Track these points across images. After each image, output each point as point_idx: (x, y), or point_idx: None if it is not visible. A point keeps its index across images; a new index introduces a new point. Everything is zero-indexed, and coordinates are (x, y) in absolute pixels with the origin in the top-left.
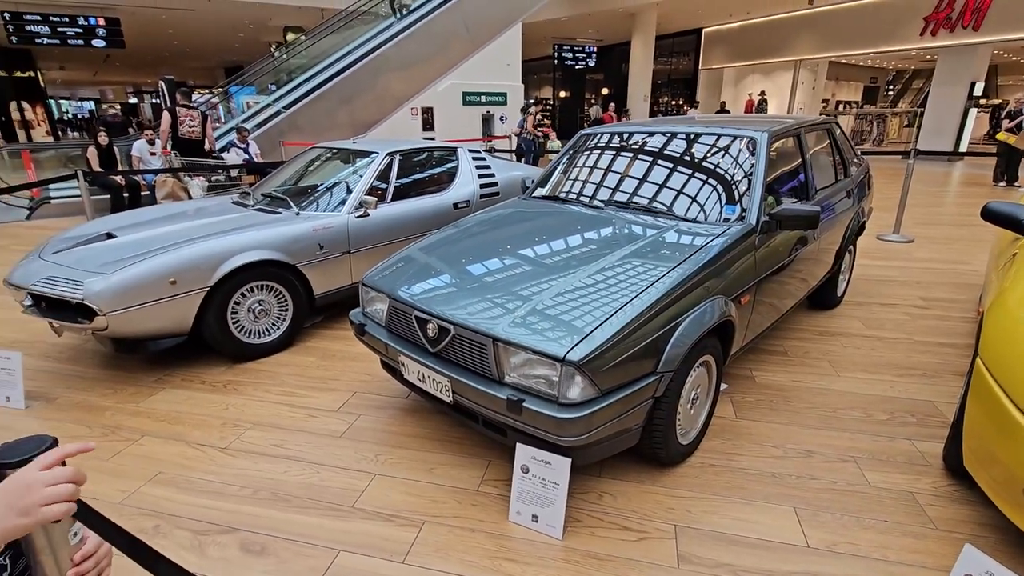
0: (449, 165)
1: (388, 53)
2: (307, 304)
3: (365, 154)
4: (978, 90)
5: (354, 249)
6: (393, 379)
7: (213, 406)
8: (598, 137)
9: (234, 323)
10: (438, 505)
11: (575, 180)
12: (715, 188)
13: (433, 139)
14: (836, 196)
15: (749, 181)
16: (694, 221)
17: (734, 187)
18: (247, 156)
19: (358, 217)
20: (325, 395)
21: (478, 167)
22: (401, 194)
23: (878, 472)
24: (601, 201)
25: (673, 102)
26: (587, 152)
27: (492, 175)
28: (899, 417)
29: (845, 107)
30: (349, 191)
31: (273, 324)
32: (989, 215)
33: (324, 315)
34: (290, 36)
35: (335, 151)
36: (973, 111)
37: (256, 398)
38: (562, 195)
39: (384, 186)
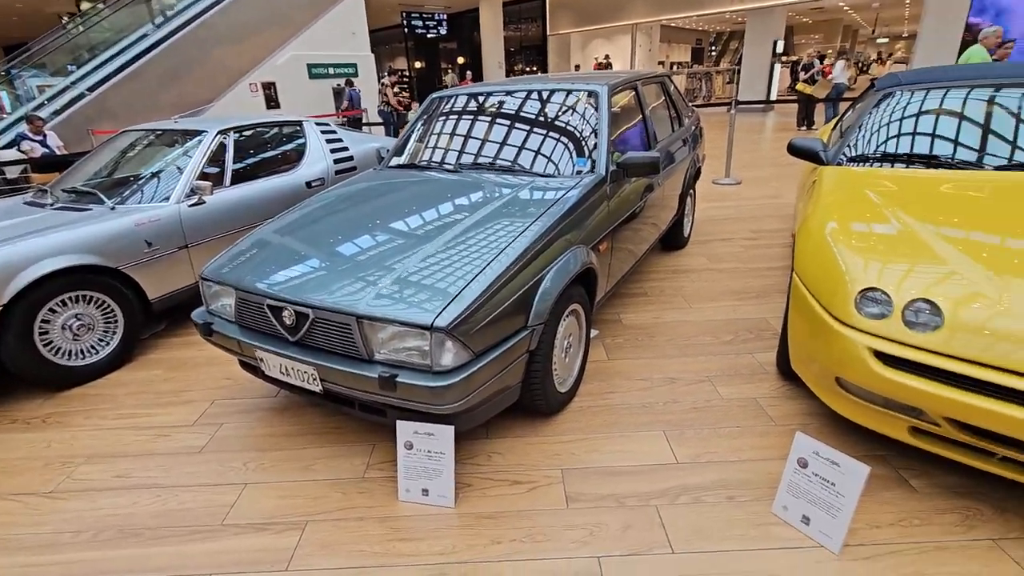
0: (298, 141)
1: (213, 21)
2: (142, 312)
3: (192, 134)
4: (779, 48)
5: (193, 242)
6: (257, 378)
7: (31, 446)
8: (449, 100)
9: (46, 345)
10: (320, 501)
11: (430, 146)
12: (565, 142)
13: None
14: (674, 145)
15: (595, 133)
16: (549, 176)
17: (582, 140)
18: (46, 149)
19: (192, 206)
20: (177, 409)
21: (329, 141)
22: (242, 176)
23: (728, 386)
24: (458, 164)
25: (528, 68)
26: (440, 116)
27: (346, 148)
28: (741, 336)
29: (677, 67)
30: (177, 177)
31: (100, 340)
32: (793, 150)
33: (168, 321)
34: (85, 4)
35: (155, 134)
36: (777, 66)
37: (88, 428)
38: (419, 162)
39: (219, 169)
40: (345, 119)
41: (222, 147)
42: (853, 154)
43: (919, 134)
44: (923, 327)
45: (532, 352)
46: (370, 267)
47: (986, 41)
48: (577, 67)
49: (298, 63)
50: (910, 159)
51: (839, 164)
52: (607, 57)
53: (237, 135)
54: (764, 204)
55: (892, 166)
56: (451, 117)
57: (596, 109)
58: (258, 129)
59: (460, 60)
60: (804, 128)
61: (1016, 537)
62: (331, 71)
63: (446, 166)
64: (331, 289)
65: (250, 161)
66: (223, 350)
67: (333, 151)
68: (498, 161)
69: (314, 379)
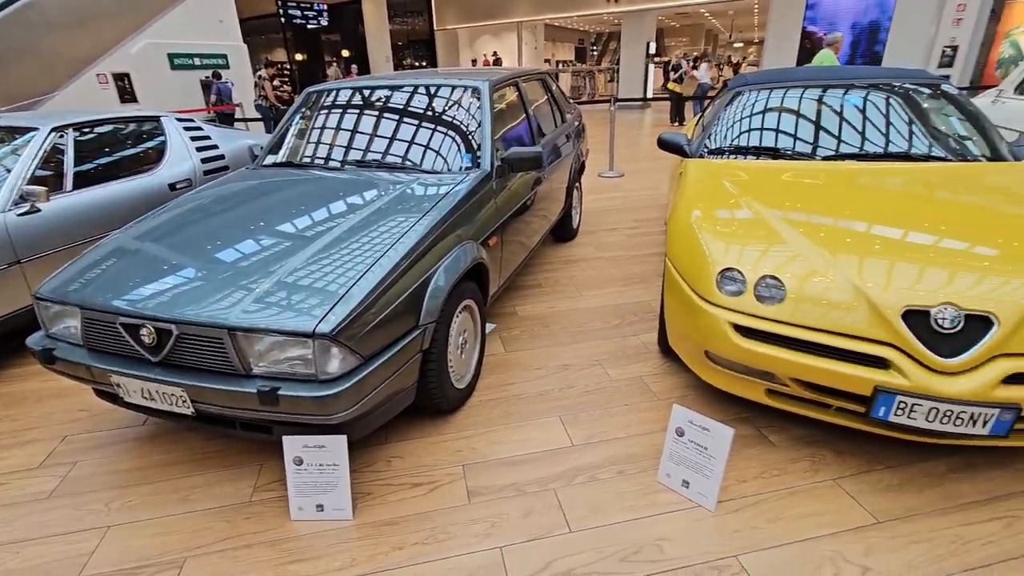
0: (157, 139)
1: (44, 2)
2: None
3: (21, 131)
4: (652, 49)
5: (26, 256)
6: (118, 407)
7: None
8: (327, 95)
9: None
10: (201, 534)
11: (309, 142)
12: (449, 138)
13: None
14: (558, 140)
15: (479, 129)
16: (434, 172)
17: (467, 136)
18: None
19: (22, 215)
20: (18, 452)
21: (195, 139)
22: (89, 179)
23: (617, 368)
24: (339, 161)
25: (417, 63)
26: (319, 111)
27: (215, 147)
28: (627, 319)
29: (563, 65)
30: (1, 182)
31: None
32: (662, 144)
33: None
34: None
35: None
36: (651, 66)
37: None
38: (298, 160)
39: (56, 172)
40: (215, 115)
41: (59, 146)
42: (712, 147)
43: (764, 129)
44: (771, 300)
45: (426, 351)
46: (244, 274)
47: (834, 46)
48: (474, 62)
49: (157, 52)
50: (758, 151)
51: (701, 157)
52: (495, 54)
53: (78, 132)
54: (645, 195)
55: (744, 158)
56: (330, 112)
57: (479, 105)
58: (105, 126)
59: (345, 53)
60: (676, 124)
61: (851, 475)
62: (197, 62)
63: (327, 163)
64: (198, 300)
65: (99, 162)
66: (72, 379)
67: (200, 149)
68: (381, 158)
69: (184, 401)
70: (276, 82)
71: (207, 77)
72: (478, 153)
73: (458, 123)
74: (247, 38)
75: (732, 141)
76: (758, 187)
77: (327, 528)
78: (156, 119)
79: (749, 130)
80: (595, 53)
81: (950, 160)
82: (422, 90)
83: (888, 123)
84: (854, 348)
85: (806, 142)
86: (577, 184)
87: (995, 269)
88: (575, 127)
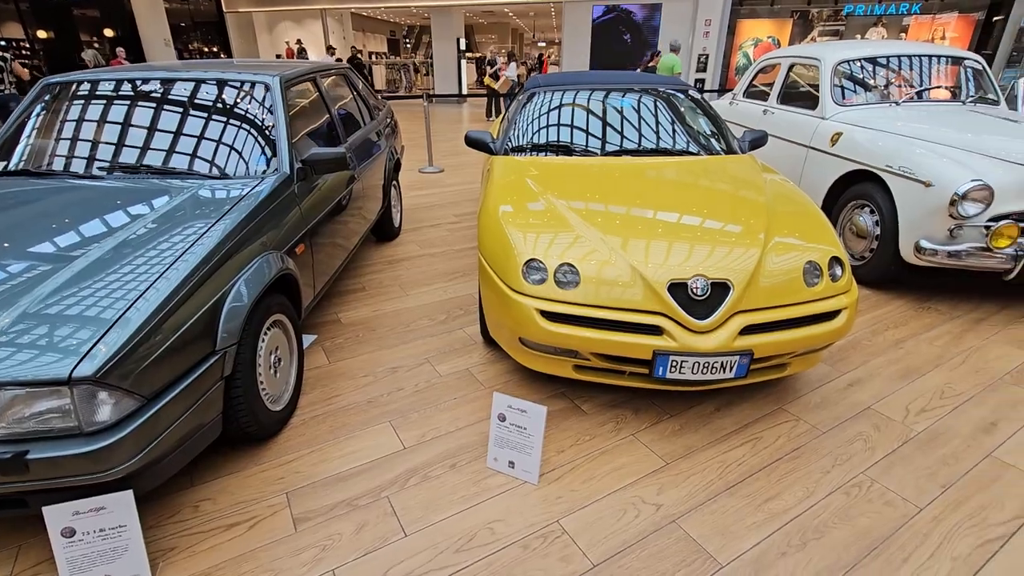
0: None
1: None
2: None
3: None
4: (463, 45)
5: None
6: None
7: None
8: (72, 88)
9: None
10: None
11: (56, 144)
12: (239, 140)
13: None
14: (367, 138)
15: (273, 129)
16: (223, 178)
17: (260, 137)
18: None
19: None
20: None
21: None
22: None
23: (445, 363)
24: (101, 168)
25: (207, 50)
26: (67, 106)
27: None
28: (453, 314)
29: (376, 57)
30: None
31: None
32: (469, 142)
33: None
34: None
35: None
36: (464, 62)
37: None
38: (39, 166)
39: None
40: None
41: None
42: (513, 145)
43: (553, 128)
44: (569, 285)
45: (228, 378)
46: None
47: (678, 51)
48: (279, 56)
49: None
50: (552, 148)
51: (505, 154)
52: (299, 42)
53: None
54: (464, 189)
55: (540, 154)
56: (85, 108)
57: (271, 103)
58: None
59: (110, 33)
60: (493, 118)
61: (646, 428)
62: None
63: (87, 170)
64: None
65: None
66: None
67: None
68: (157, 163)
69: None
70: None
71: None
72: (274, 155)
73: (248, 123)
74: None
75: (530, 139)
76: (554, 182)
77: None
78: None
79: (542, 128)
80: (408, 46)
81: (697, 154)
82: (199, 85)
83: (654, 122)
84: (635, 320)
85: (590, 139)
86: (395, 182)
87: (729, 244)
88: (386, 124)
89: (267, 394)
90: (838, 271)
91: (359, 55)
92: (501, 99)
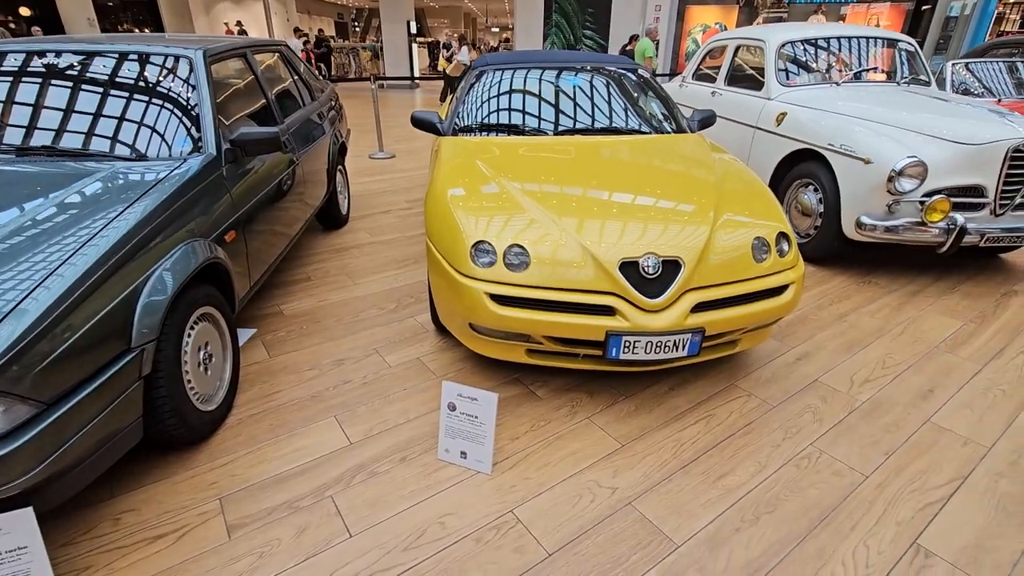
0: None
1: None
2: None
3: None
4: (413, 28)
5: None
6: None
7: None
8: None
9: None
10: None
11: None
12: (159, 119)
13: None
14: (308, 120)
15: (197, 107)
16: (139, 160)
17: (182, 116)
18: None
19: None
20: None
21: None
22: None
23: (395, 353)
24: (6, 151)
25: (136, 30)
26: None
27: None
28: (403, 302)
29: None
30: None
31: None
32: (415, 122)
33: None
34: None
35: None
36: (415, 46)
37: None
38: None
39: None
40: None
41: None
42: (461, 125)
43: (507, 108)
44: (519, 267)
45: (148, 377)
46: None
47: (652, 34)
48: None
49: None
50: (501, 128)
51: (453, 134)
52: (239, 23)
53: None
54: (417, 175)
55: (490, 135)
56: None
57: (194, 79)
58: None
59: (25, 11)
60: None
61: (600, 411)
62: None
63: None
64: None
65: None
66: None
67: None
68: (67, 144)
69: None
70: None
71: None
72: (197, 135)
73: (170, 101)
74: None
75: (478, 119)
76: (504, 163)
77: None
78: None
79: (491, 108)
80: (357, 29)
81: (647, 133)
82: (117, 60)
83: (604, 101)
84: (587, 301)
85: (541, 119)
86: (340, 167)
87: (679, 222)
88: (329, 106)
89: (196, 393)
90: (785, 247)
91: (327, 40)
92: (455, 84)
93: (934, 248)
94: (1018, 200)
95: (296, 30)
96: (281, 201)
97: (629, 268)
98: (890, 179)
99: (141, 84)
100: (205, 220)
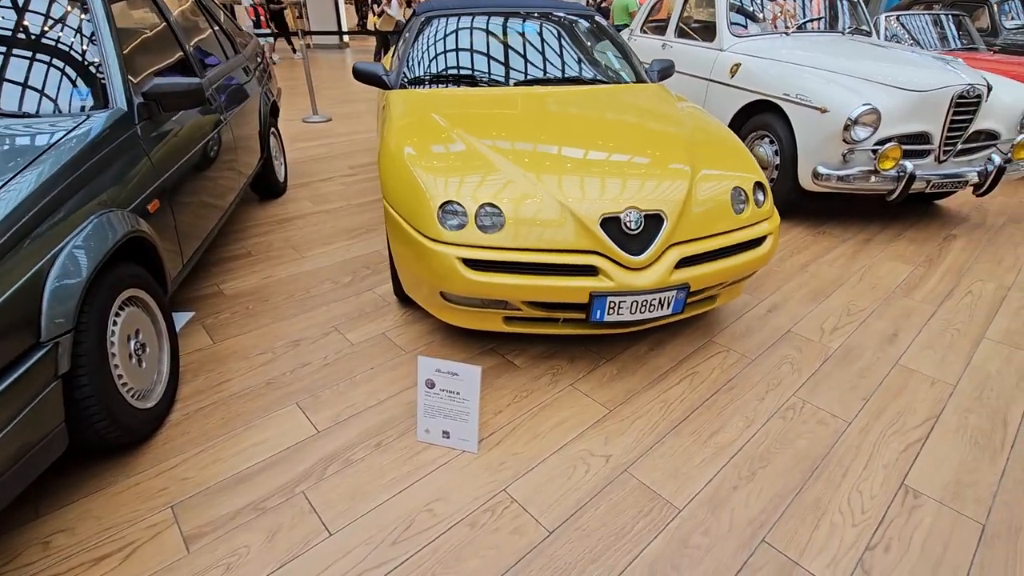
0: None
1: None
2: None
3: None
4: None
5: None
6: None
7: None
8: None
9: None
10: None
11: None
12: (49, 68)
13: None
14: (232, 75)
15: (97, 51)
16: (24, 116)
17: (77, 63)
18: None
19: None
20: None
21: None
22: None
23: (356, 330)
24: None
25: None
26: None
27: None
28: (359, 274)
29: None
30: None
31: None
32: (357, 74)
33: None
34: None
35: None
36: (342, 3)
37: None
38: None
39: None
40: None
41: None
42: (411, 77)
43: (458, 56)
44: (493, 228)
45: (69, 375)
46: None
47: None
48: None
49: None
50: (455, 80)
51: (402, 88)
52: None
53: None
54: (357, 139)
55: (443, 87)
56: None
57: (89, 17)
58: None
59: None
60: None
61: (583, 377)
62: None
63: None
64: None
65: None
66: None
67: None
68: None
69: None
70: None
71: None
72: (101, 85)
73: (61, 46)
74: None
75: (429, 70)
76: (462, 116)
77: None
78: None
79: (445, 58)
80: None
81: (610, 83)
82: None
83: (563, 50)
84: (568, 261)
85: (497, 69)
86: (273, 129)
87: (658, 175)
88: (257, 62)
89: (130, 389)
90: (760, 196)
91: None
92: (390, 39)
93: (884, 196)
94: (959, 146)
95: None
96: (211, 167)
97: (610, 224)
98: (846, 128)
99: (24, 26)
100: (120, 189)
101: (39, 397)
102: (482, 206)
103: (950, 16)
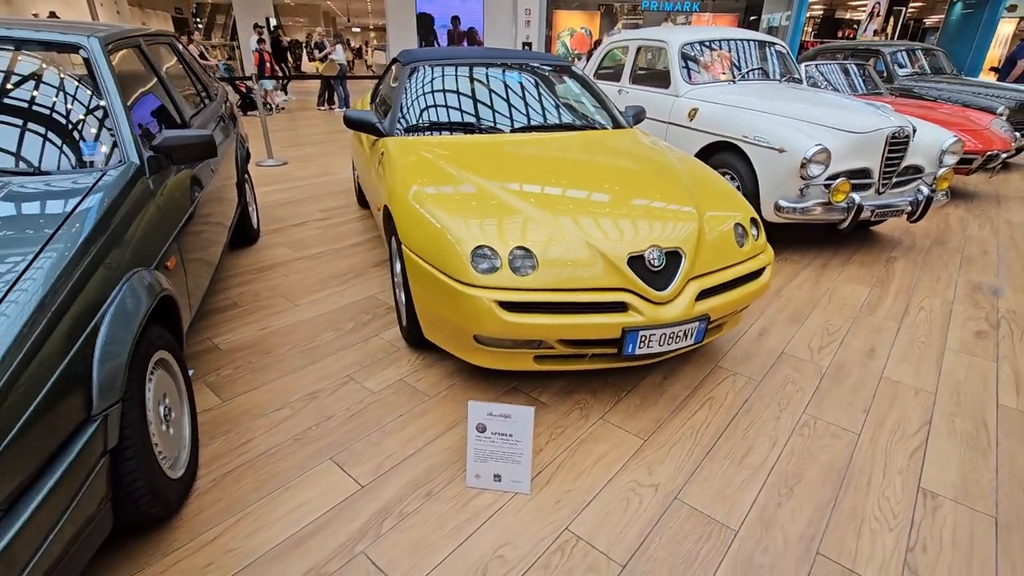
0: None
1: None
2: None
3: None
4: (272, 24)
5: None
6: None
7: None
8: None
9: None
10: None
11: None
12: (53, 121)
13: None
14: (212, 123)
15: (103, 105)
16: (41, 174)
17: (83, 116)
18: None
19: None
20: None
21: None
22: None
23: (372, 378)
24: None
25: None
26: None
27: None
28: (361, 320)
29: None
30: None
31: None
32: (349, 122)
33: None
34: None
35: None
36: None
37: None
38: None
39: None
40: None
41: None
42: (407, 125)
43: (452, 106)
44: (526, 270)
45: (115, 450)
46: None
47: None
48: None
49: None
50: (452, 127)
51: (397, 135)
52: (53, 14)
53: None
54: (318, 182)
55: (442, 134)
56: None
57: (92, 72)
58: None
59: None
60: (326, 106)
61: (611, 409)
62: None
63: None
64: None
65: None
66: None
67: None
68: None
69: None
70: None
71: None
72: (111, 139)
73: (63, 98)
74: None
75: (426, 118)
76: (471, 163)
77: None
78: None
79: (444, 107)
80: (200, 26)
81: (595, 128)
82: None
83: (548, 98)
84: (600, 299)
85: (490, 115)
86: (247, 175)
87: (669, 214)
88: (227, 107)
89: (165, 458)
90: (755, 231)
91: (281, 33)
92: (332, 84)
93: (835, 224)
94: (895, 180)
95: (255, 26)
96: (205, 218)
97: (635, 262)
98: (802, 165)
99: (26, 81)
100: (142, 246)
101: (87, 477)
102: (514, 249)
103: (859, 65)
